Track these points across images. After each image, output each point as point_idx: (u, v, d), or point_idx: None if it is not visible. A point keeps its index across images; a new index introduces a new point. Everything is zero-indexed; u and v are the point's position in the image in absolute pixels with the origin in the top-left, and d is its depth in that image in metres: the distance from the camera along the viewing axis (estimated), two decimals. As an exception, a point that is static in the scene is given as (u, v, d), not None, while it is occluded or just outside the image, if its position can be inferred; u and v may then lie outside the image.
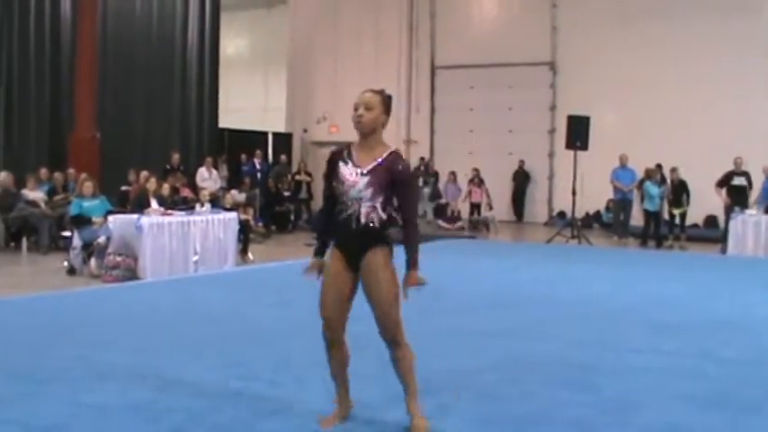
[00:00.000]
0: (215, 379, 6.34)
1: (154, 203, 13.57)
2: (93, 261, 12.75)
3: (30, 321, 8.63)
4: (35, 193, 16.10)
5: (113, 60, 21.07)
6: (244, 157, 22.70)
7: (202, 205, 14.53)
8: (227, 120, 24.63)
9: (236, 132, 24.87)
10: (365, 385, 5.77)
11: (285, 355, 7.14)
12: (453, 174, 23.56)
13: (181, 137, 22.56)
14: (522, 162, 24.49)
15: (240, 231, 14.47)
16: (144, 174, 15.83)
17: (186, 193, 17.29)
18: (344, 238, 5.15)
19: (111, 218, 12.92)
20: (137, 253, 12.39)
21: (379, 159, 5.02)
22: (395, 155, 5.07)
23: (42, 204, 15.78)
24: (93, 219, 13.10)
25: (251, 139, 24.57)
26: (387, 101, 5.09)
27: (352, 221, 5.07)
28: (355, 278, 5.19)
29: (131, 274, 12.24)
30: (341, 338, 5.32)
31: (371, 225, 5.08)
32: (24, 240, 15.45)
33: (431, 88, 26.41)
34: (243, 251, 14.86)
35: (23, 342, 7.52)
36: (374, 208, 5.05)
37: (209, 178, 19.85)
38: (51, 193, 16.34)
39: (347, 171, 5.07)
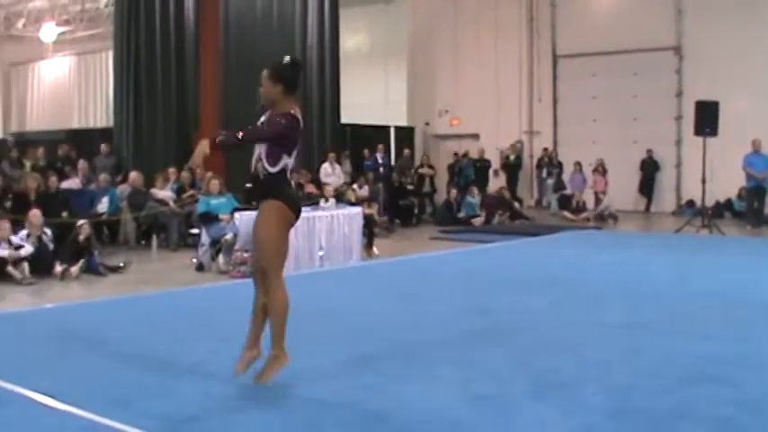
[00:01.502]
0: (343, 373, 6.34)
1: (279, 200, 13.67)
2: (220, 257, 12.93)
3: (161, 317, 8.79)
4: (164, 192, 16.43)
5: (236, 60, 21.31)
6: (366, 151, 22.76)
7: (327, 201, 14.60)
8: (348, 115, 24.70)
9: (358, 127, 24.94)
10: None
11: (414, 349, 7.10)
12: (579, 164, 23.16)
13: (303, 133, 22.65)
14: (650, 151, 23.84)
15: (365, 226, 14.48)
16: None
17: (310, 189, 17.41)
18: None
19: (237, 215, 13.07)
20: (264, 249, 12.49)
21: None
22: (279, 111, 5.85)
23: (171, 203, 16.08)
24: (221, 216, 13.29)
25: (373, 134, 24.59)
26: (274, 72, 5.93)
27: (252, 168, 5.91)
28: None
29: (258, 270, 12.34)
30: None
31: (259, 176, 5.85)
32: (154, 238, 15.79)
33: (552, 77, 26.01)
34: (368, 246, 14.86)
35: (157, 337, 7.67)
36: (260, 158, 5.82)
37: (332, 174, 19.96)
38: (179, 191, 16.64)
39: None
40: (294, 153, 5.92)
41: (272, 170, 5.81)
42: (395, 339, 7.57)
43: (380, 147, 22.82)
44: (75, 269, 12.10)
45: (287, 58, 6.08)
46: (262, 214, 5.88)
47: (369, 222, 14.93)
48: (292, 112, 5.88)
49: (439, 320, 8.59)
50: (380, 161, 22.33)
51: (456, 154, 25.05)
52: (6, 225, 12.16)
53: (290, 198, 5.89)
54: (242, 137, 5.77)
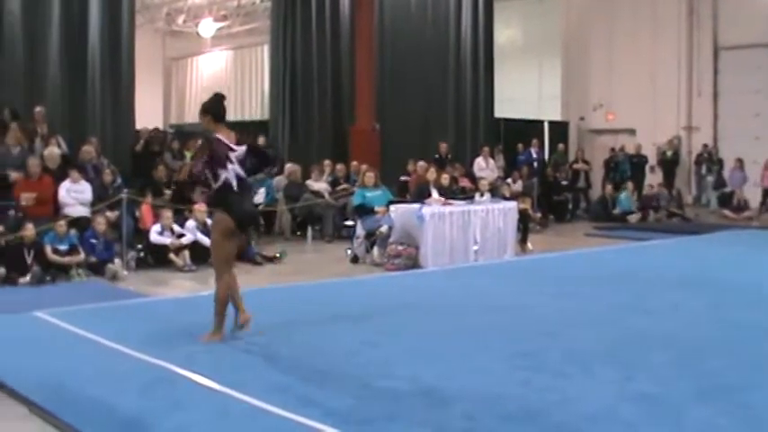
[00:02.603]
0: (501, 368, 6.28)
1: (434, 193, 13.67)
2: (375, 250, 13.00)
3: (315, 307, 8.86)
4: (319, 184, 16.64)
5: (390, 54, 21.47)
6: (520, 146, 22.54)
7: (482, 195, 14.52)
8: (502, 109, 24.54)
9: (512, 122, 24.72)
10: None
11: (571, 346, 6.97)
12: (740, 161, 22.33)
13: (456, 127, 22.66)
14: (821, 148, 22.69)
15: (519, 221, 14.34)
16: (421, 164, 15.97)
17: (464, 182, 17.35)
18: None
19: (392, 207, 13.13)
20: (418, 242, 12.53)
21: None
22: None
23: (326, 195, 16.28)
24: (376, 208, 13.34)
25: (527, 129, 24.32)
26: (203, 107, 7.13)
27: None
28: None
29: (413, 263, 12.38)
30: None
31: (209, 191, 7.12)
32: (309, 229, 16.01)
33: (713, 71, 25.12)
34: (522, 241, 14.71)
35: (312, 327, 7.73)
36: (207, 177, 6.94)
37: (486, 168, 19.87)
38: (334, 183, 16.83)
39: None
40: (231, 166, 6.91)
41: (215, 185, 6.92)
42: (552, 336, 7.45)
43: (535, 141, 22.56)
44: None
45: (213, 94, 7.23)
46: (212, 223, 7.37)
47: (523, 217, 14.76)
48: (217, 136, 6.96)
49: (596, 317, 8.42)
50: (534, 156, 22.08)
51: (612, 149, 24.52)
52: (169, 214, 12.58)
53: (232, 207, 6.93)
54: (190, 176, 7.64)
